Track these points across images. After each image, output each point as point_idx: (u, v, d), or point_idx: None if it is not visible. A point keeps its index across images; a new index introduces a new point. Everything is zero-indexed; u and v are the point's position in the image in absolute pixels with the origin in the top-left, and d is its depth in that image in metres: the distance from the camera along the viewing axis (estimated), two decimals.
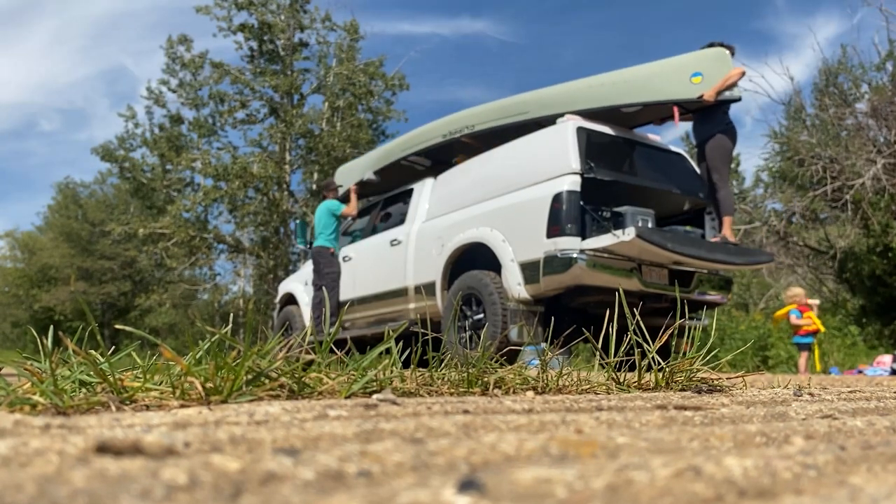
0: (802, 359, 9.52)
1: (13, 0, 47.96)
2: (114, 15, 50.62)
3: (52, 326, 1.41)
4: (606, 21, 54.90)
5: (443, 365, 1.57)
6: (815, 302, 9.89)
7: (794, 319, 9.52)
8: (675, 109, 5.71)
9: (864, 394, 1.77)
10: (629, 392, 1.52)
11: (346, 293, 7.37)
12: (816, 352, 9.66)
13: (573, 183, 5.32)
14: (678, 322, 1.67)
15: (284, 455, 0.57)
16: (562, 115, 5.87)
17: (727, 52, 5.64)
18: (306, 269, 8.66)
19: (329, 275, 7.53)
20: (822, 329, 9.69)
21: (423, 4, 51.60)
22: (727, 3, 47.80)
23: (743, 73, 5.66)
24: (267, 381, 1.17)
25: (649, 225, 5.64)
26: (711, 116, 5.72)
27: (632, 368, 1.66)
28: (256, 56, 20.26)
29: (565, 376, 1.62)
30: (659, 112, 6.07)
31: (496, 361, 1.64)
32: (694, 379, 1.66)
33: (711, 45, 5.86)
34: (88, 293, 28.49)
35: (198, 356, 1.29)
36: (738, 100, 5.68)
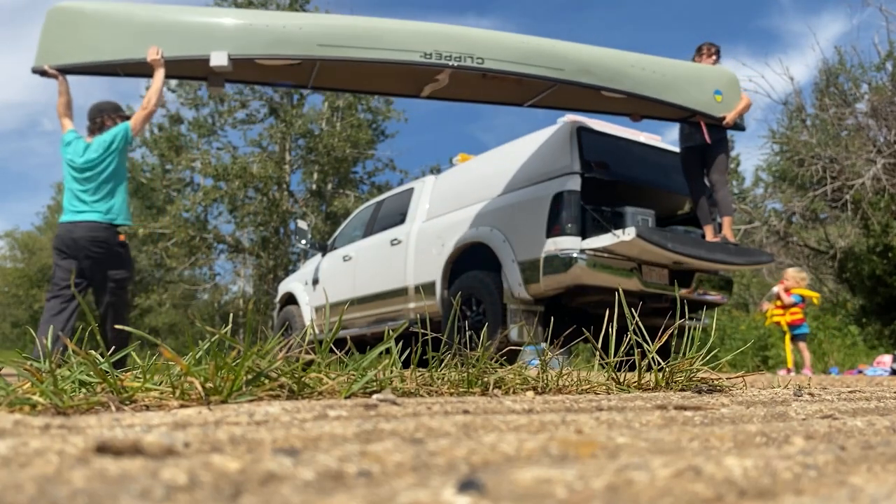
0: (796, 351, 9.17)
1: None
2: None
3: (51, 326, 1.41)
4: (613, 19, 54.99)
5: (443, 365, 1.57)
6: (787, 281, 9.16)
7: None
8: (703, 123, 5.61)
9: (864, 394, 1.77)
10: (629, 392, 1.52)
11: (345, 293, 7.36)
12: (787, 343, 9.18)
13: (574, 183, 5.32)
14: (678, 322, 1.67)
15: (284, 455, 0.57)
16: (599, 87, 5.15)
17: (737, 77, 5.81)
18: (307, 268, 8.64)
19: (121, 283, 4.65)
20: (783, 319, 9.12)
21: (427, 2, 51.53)
22: (733, 2, 47.92)
23: (751, 104, 5.87)
24: (267, 381, 1.17)
25: (649, 225, 5.64)
26: (715, 126, 5.79)
27: (632, 368, 1.66)
28: None
29: (565, 376, 1.62)
30: (648, 110, 5.82)
31: (496, 361, 1.64)
32: (694, 379, 1.66)
33: (701, 47, 5.93)
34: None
35: (198, 356, 1.29)
36: (744, 129, 5.94)
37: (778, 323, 9.22)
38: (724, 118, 5.56)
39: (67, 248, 4.61)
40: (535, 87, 5.48)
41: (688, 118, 5.70)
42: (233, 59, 4.70)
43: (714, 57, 6.00)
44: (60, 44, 4.74)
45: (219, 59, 4.67)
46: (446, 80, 5.23)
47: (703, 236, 5.83)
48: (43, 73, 4.70)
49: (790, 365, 9.11)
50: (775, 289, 9.24)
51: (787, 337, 9.15)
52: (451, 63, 4.79)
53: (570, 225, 5.26)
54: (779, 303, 9.14)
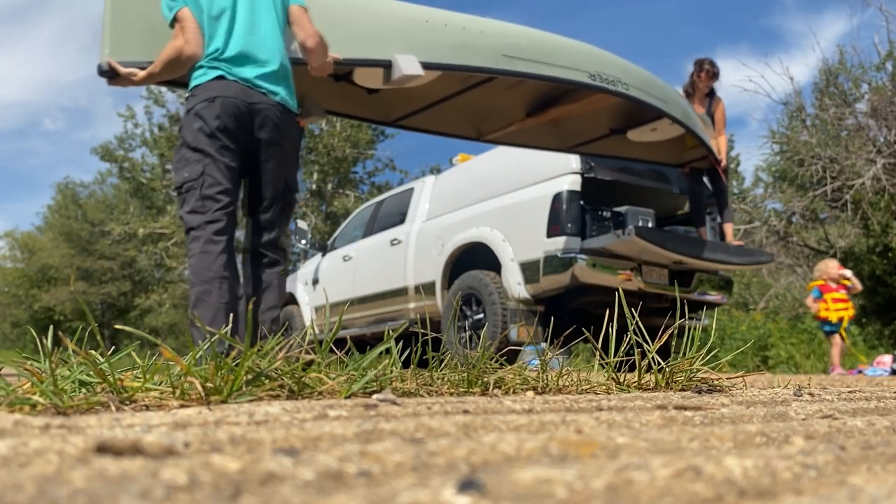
0: (834, 349, 8.22)
1: None
2: None
3: (51, 326, 1.41)
4: (615, 19, 54.95)
5: (443, 365, 1.57)
6: (846, 272, 8.12)
7: (809, 301, 8.31)
8: (719, 166, 5.60)
9: (864, 394, 1.77)
10: (629, 392, 1.52)
11: (345, 293, 7.36)
12: (846, 340, 8.36)
13: (573, 182, 5.33)
14: (678, 322, 1.67)
15: (284, 455, 0.57)
16: (687, 127, 4.85)
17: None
18: (307, 268, 8.63)
19: (295, 197, 3.14)
20: (846, 313, 8.17)
21: (428, 2, 51.38)
22: (735, 1, 47.95)
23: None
24: (267, 381, 1.17)
25: (649, 225, 5.65)
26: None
27: (632, 368, 1.66)
28: None
29: (565, 376, 1.62)
30: (682, 155, 5.65)
31: (496, 361, 1.64)
32: (694, 379, 1.66)
33: (700, 62, 5.82)
34: (88, 293, 28.48)
35: (198, 356, 1.29)
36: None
37: (841, 318, 8.19)
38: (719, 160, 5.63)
39: (236, 128, 2.74)
40: (581, 132, 5.15)
41: (699, 160, 5.67)
42: (428, 67, 3.32)
43: (714, 78, 5.82)
44: (144, 29, 2.89)
45: (410, 66, 3.19)
46: (550, 118, 4.65)
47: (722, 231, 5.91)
48: (113, 76, 2.79)
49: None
50: (834, 275, 8.14)
51: (844, 333, 8.25)
52: (609, 87, 4.12)
53: (570, 225, 5.26)
54: (837, 295, 8.10)
